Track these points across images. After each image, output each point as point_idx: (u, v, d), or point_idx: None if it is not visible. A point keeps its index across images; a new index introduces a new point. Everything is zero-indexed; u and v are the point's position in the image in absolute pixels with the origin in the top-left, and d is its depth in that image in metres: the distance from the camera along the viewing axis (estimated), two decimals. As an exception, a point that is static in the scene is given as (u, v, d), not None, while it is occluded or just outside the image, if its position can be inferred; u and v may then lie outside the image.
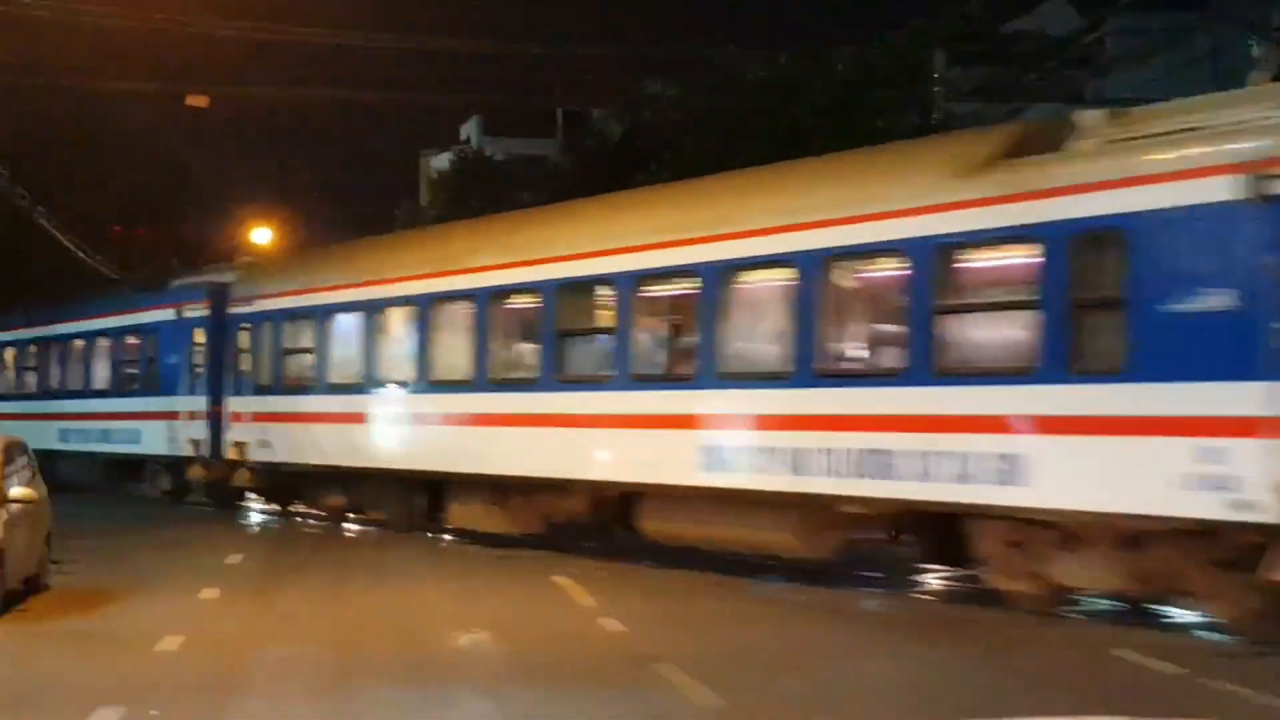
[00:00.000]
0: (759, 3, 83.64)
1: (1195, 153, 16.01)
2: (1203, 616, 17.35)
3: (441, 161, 70.62)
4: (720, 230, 21.80)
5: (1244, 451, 15.11)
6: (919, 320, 18.82)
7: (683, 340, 23.00)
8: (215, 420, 34.26)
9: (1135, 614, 17.79)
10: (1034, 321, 17.56)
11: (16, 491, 17.65)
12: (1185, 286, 15.85)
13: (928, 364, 18.65)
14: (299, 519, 32.17)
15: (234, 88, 47.12)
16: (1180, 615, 17.74)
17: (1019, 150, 18.36)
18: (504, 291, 26.12)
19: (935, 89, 36.02)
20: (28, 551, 18.01)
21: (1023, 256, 17.84)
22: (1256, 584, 15.25)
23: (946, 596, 19.55)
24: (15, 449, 18.94)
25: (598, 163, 47.64)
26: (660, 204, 25.55)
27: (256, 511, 34.06)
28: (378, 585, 21.28)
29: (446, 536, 27.66)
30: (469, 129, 74.72)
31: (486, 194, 48.32)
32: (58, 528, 20.00)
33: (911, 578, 20.22)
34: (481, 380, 26.30)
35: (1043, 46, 37.32)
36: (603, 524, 24.37)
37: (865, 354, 20.42)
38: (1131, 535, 16.45)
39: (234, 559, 23.81)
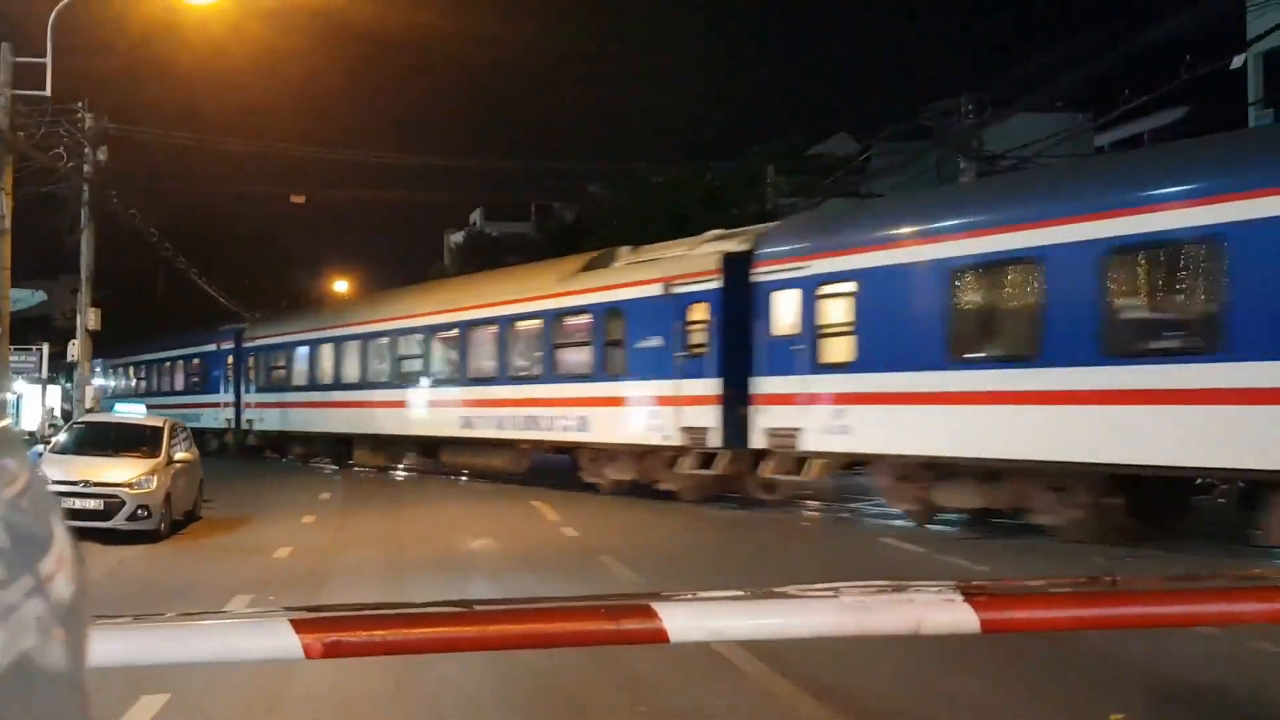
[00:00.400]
0: (658, 128, 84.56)
1: (644, 274, 21.88)
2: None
3: (458, 237, 70.23)
4: (464, 304, 27.56)
5: (666, 413, 20.65)
6: (547, 350, 24.41)
7: (452, 359, 27.93)
8: (238, 407, 38.20)
9: (898, 516, 18.01)
10: (592, 351, 23.07)
11: (179, 454, 17.63)
12: (651, 336, 21.28)
13: (551, 371, 24.16)
14: (364, 471, 31.93)
15: (321, 189, 46.90)
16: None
17: (589, 266, 24.14)
18: (366, 335, 31.65)
19: (768, 189, 36.30)
20: (187, 494, 17.91)
21: (587, 319, 23.33)
22: (681, 473, 20.61)
23: (783, 510, 19.62)
24: (178, 427, 18.88)
25: (558, 238, 47.49)
26: (440, 290, 32.23)
27: (336, 466, 33.80)
28: (417, 510, 21.17)
29: (463, 478, 27.55)
30: (476, 215, 74.32)
31: (487, 259, 48.03)
32: (207, 479, 19.87)
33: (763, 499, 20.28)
34: (364, 382, 31.48)
35: (833, 163, 37.56)
36: (425, 457, 29.43)
37: (527, 366, 25.15)
38: (636, 453, 21.73)
39: (324, 496, 23.59)
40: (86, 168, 27.93)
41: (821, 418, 17.61)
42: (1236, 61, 27.49)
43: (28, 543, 1.13)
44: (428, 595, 10.88)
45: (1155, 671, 7.70)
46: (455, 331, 27.62)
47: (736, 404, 19.25)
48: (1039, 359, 14.57)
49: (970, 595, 3.33)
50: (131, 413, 20.59)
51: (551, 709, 7.29)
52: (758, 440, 18.86)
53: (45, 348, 33.65)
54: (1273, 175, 12.80)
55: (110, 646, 2.96)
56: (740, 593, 3.51)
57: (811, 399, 17.81)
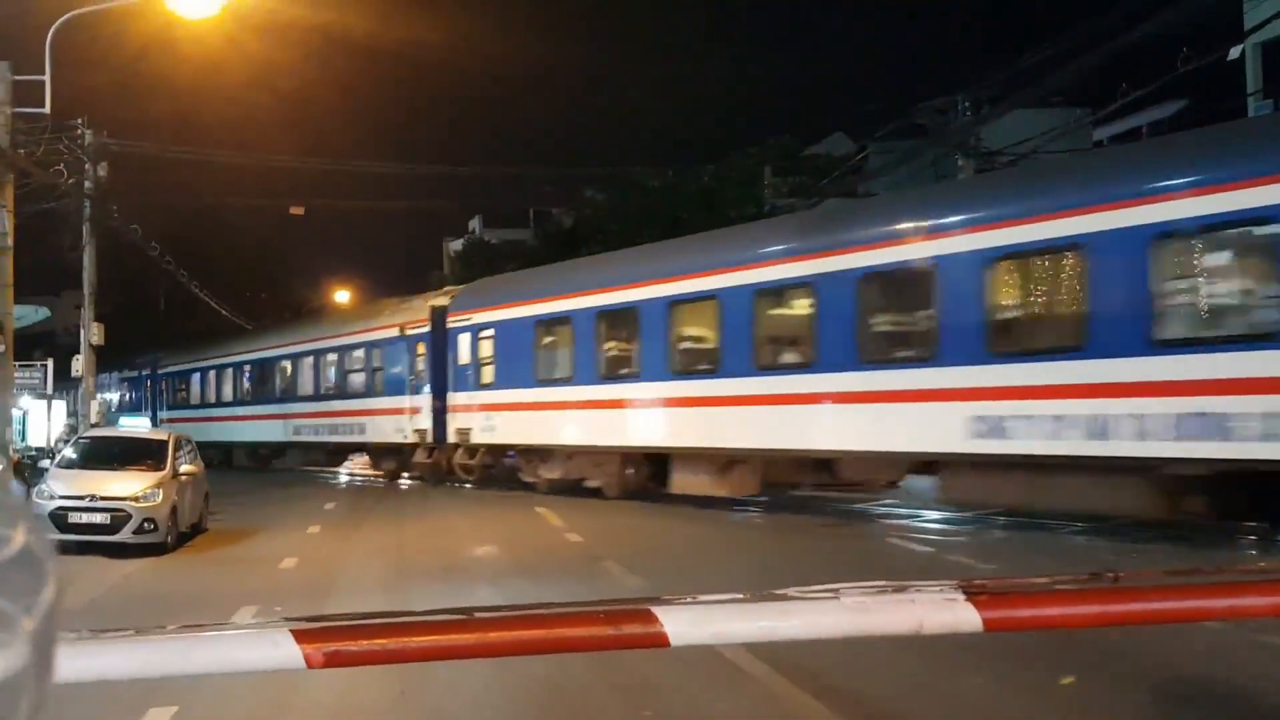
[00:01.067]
0: (654, 131, 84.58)
1: (392, 319, 29.58)
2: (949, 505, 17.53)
3: (457, 244, 70.17)
4: (290, 341, 35.80)
5: (405, 420, 28.51)
6: (340, 375, 32.27)
7: (287, 382, 35.36)
8: (154, 423, 42.23)
9: (905, 516, 18.00)
10: (365, 376, 30.84)
11: (185, 467, 17.60)
12: (396, 365, 29.15)
13: (343, 391, 31.95)
14: (370, 480, 31.95)
15: (319, 200, 46.89)
16: (934, 515, 17.96)
17: (366, 314, 32.85)
18: (234, 364, 39.37)
19: (765, 191, 36.22)
20: (193, 506, 17.92)
21: (362, 352, 31.05)
22: (417, 462, 28.55)
23: (788, 510, 19.58)
24: (183, 440, 18.84)
25: (556, 243, 47.41)
26: (279, 329, 39.61)
27: (344, 475, 33.91)
28: (422, 519, 21.18)
29: (468, 486, 27.56)
30: (475, 223, 74.22)
31: (487, 266, 47.94)
32: (213, 490, 19.89)
33: (758, 500, 20.28)
34: (235, 401, 39.11)
35: (830, 163, 37.46)
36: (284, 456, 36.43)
37: (329, 387, 32.74)
38: (394, 449, 29.53)
39: (329, 506, 23.65)
40: (87, 184, 27.96)
41: (481, 420, 25.46)
42: (1234, 53, 27.45)
43: (30, 580, 1.13)
44: (432, 603, 10.97)
45: (1161, 667, 7.68)
46: (288, 361, 35.56)
47: (441, 412, 26.71)
48: (575, 380, 22.84)
49: (972, 594, 3.31)
50: (136, 426, 20.59)
51: (555, 715, 7.28)
52: (451, 437, 26.61)
53: (50, 363, 33.67)
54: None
55: (113, 660, 2.95)
56: (740, 595, 3.49)
57: (476, 408, 25.62)
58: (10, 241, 23.67)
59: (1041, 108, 30.03)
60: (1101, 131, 38.42)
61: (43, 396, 34.06)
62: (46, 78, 23.64)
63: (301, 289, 66.42)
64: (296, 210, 40.90)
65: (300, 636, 3.02)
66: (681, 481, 20.59)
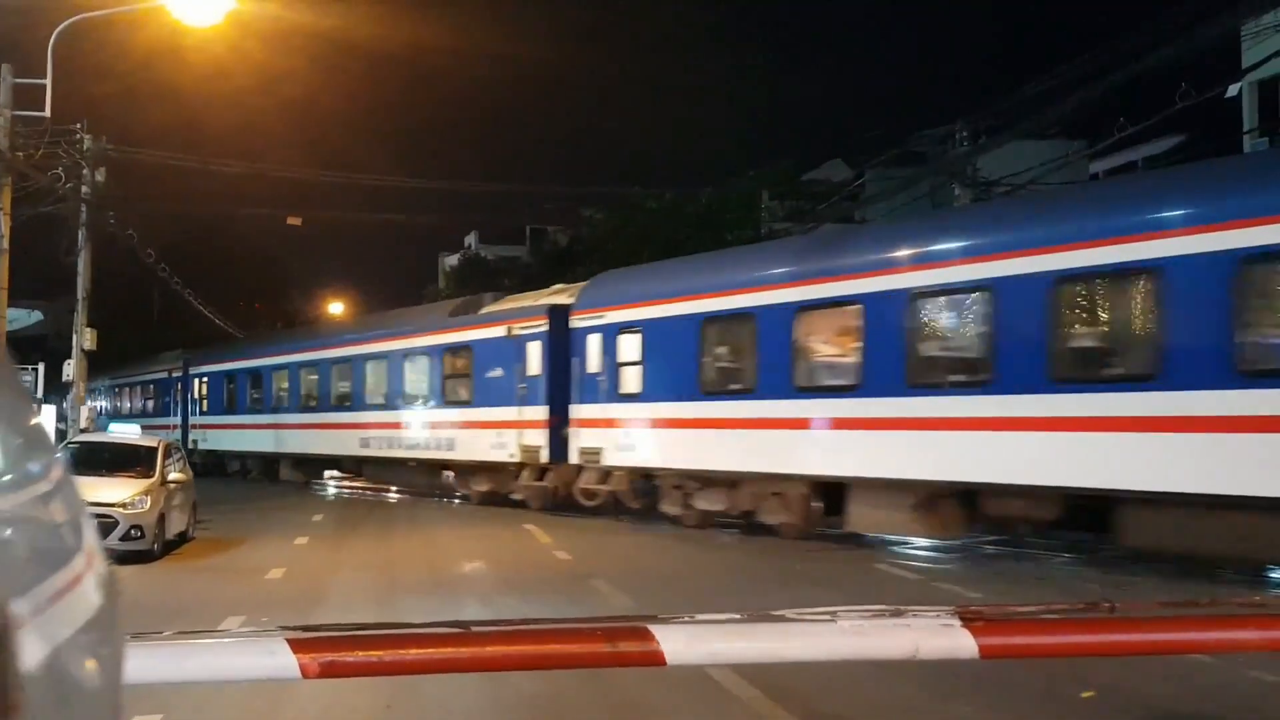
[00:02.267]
0: (653, 152, 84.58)
1: (164, 365, 43.47)
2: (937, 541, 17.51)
3: (453, 260, 70.15)
4: (143, 371, 47.51)
5: (173, 432, 35.84)
6: (157, 400, 46.50)
7: (154, 402, 46.97)
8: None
9: (890, 542, 17.98)
10: (155, 401, 47.32)
11: (173, 475, 17.52)
12: (166, 396, 44.64)
13: (161, 410, 45.07)
14: (358, 492, 31.86)
15: (317, 212, 46.93)
16: (921, 542, 17.93)
17: (155, 359, 46.41)
18: (115, 385, 51.79)
19: (762, 214, 36.26)
20: (180, 515, 17.83)
21: (153, 385, 47.09)
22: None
23: (770, 533, 19.52)
24: (172, 447, 18.76)
25: (552, 261, 47.39)
26: (139, 363, 48.63)
27: (332, 487, 33.83)
28: (411, 533, 21.08)
29: (456, 500, 27.51)
30: (471, 239, 74.20)
31: (482, 282, 47.86)
32: (200, 499, 19.82)
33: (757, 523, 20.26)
34: (115, 416, 45.36)
35: (827, 189, 37.55)
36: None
37: (149, 407, 47.19)
38: (246, 457, 38.30)
39: (317, 518, 23.50)
40: (85, 189, 27.93)
41: (203, 435, 39.59)
42: (1232, 90, 27.59)
43: (57, 542, 1.12)
44: (421, 617, 10.83)
45: (1154, 700, 7.66)
46: (128, 387, 49.17)
47: (186, 429, 40.47)
48: (259, 411, 36.09)
49: (968, 620, 3.32)
50: (126, 433, 20.49)
51: (545, 732, 7.24)
52: (193, 444, 38.33)
53: (42, 367, 33.57)
54: None
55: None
56: (737, 616, 3.49)
57: (203, 426, 39.83)
58: (6, 244, 23.65)
59: (1040, 139, 30.14)
60: (1098, 165, 38.53)
61: (33, 400, 33.97)
62: (48, 81, 23.65)
63: (298, 299, 66.32)
64: (294, 220, 40.82)
65: (296, 646, 3.01)
66: (328, 476, 34.28)
